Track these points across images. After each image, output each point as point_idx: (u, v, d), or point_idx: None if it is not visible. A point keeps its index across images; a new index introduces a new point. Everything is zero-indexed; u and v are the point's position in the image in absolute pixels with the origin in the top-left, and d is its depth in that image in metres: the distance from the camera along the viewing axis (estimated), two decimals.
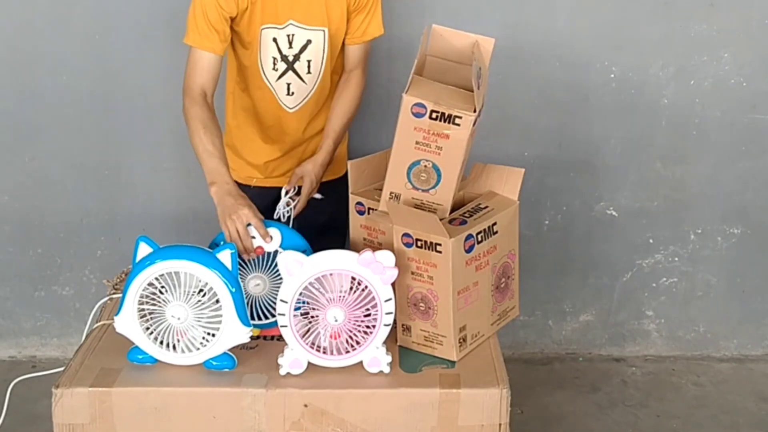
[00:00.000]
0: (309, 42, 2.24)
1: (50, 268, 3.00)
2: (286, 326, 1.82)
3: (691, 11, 2.76)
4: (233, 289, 1.81)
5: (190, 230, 2.83)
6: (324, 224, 2.40)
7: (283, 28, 2.21)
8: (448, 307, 1.86)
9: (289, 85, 2.30)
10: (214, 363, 1.84)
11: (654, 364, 3.09)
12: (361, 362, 1.83)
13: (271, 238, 1.96)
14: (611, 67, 2.82)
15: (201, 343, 1.83)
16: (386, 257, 1.79)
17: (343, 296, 1.81)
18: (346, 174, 2.47)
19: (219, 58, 2.18)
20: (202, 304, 1.81)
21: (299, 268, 1.80)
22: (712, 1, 2.75)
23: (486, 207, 1.98)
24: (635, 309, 3.10)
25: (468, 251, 1.86)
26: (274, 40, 2.23)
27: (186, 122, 2.13)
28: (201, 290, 1.82)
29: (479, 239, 1.89)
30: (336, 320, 1.81)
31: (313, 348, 1.83)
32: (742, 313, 3.11)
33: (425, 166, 1.88)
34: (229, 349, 1.86)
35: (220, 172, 2.05)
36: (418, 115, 1.83)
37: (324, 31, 2.24)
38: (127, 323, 1.82)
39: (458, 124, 1.81)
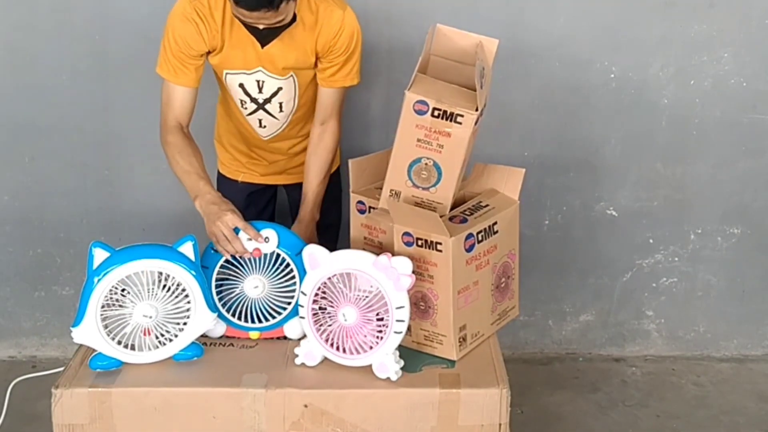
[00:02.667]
0: (279, 89, 2.20)
1: (50, 268, 2.99)
2: (303, 318, 1.83)
3: (691, 11, 2.76)
4: (199, 278, 1.83)
5: (190, 230, 2.80)
6: (317, 225, 2.41)
7: (252, 73, 2.16)
8: (448, 307, 1.86)
9: (260, 120, 2.28)
10: (185, 354, 1.86)
11: (654, 364, 3.09)
12: (370, 365, 1.84)
13: (264, 238, 1.95)
14: (611, 67, 2.81)
15: (169, 338, 1.85)
16: (402, 264, 1.78)
17: (359, 296, 1.81)
18: (335, 173, 2.49)
19: (193, 90, 2.15)
20: (169, 298, 1.82)
21: (322, 263, 1.81)
22: (712, 1, 2.75)
23: (487, 205, 1.98)
24: (635, 309, 3.10)
25: (468, 250, 1.86)
26: (241, 85, 2.19)
27: (164, 152, 2.14)
28: (164, 285, 1.82)
29: (480, 238, 1.89)
30: (346, 319, 1.81)
31: (327, 343, 1.84)
32: (742, 313, 3.11)
33: (426, 163, 1.88)
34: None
35: (199, 186, 2.05)
36: (420, 113, 1.83)
37: (293, 77, 2.18)
38: (88, 332, 1.81)
39: (460, 123, 1.81)
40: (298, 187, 2.32)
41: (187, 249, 1.84)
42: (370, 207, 2.00)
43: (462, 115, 1.81)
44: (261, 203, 2.51)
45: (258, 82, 2.17)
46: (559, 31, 2.78)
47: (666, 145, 2.91)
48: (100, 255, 1.80)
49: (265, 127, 2.30)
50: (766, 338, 3.15)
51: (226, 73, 2.17)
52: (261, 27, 2.00)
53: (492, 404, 1.79)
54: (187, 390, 1.81)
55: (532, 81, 2.82)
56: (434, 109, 1.82)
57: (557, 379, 3.00)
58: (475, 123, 1.82)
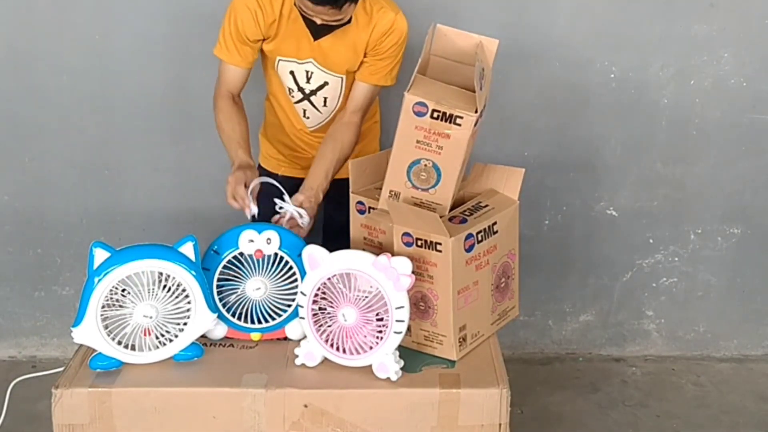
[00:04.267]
0: (326, 83, 2.29)
1: (50, 268, 2.99)
2: (303, 318, 1.84)
3: (691, 11, 2.76)
4: (199, 278, 1.83)
5: (190, 230, 2.79)
6: (321, 225, 2.41)
7: (303, 63, 2.25)
8: (448, 307, 1.86)
9: (305, 110, 2.36)
10: (185, 354, 1.86)
11: (654, 364, 3.09)
12: (370, 365, 1.84)
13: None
14: (611, 67, 2.82)
15: (169, 338, 1.84)
16: (402, 264, 1.79)
17: (358, 297, 1.81)
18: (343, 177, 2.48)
19: (246, 70, 2.26)
20: (169, 298, 1.82)
21: (321, 263, 1.81)
22: (712, 1, 2.75)
23: (486, 206, 1.98)
24: (635, 309, 3.10)
25: (468, 250, 1.86)
26: (291, 72, 2.28)
27: (214, 117, 2.27)
28: (164, 286, 1.82)
29: (479, 239, 1.89)
30: (345, 319, 1.81)
31: (326, 344, 1.84)
32: (742, 313, 3.11)
33: (425, 165, 1.88)
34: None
35: (238, 154, 2.19)
36: (419, 114, 1.83)
37: (342, 78, 2.28)
38: (89, 332, 1.81)
39: (459, 124, 1.81)
40: (336, 182, 2.30)
41: (188, 249, 1.84)
42: (369, 207, 2.00)
43: (461, 117, 1.81)
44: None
45: (307, 72, 2.26)
46: (559, 31, 2.78)
47: (666, 145, 2.91)
48: (100, 255, 1.80)
49: (308, 117, 2.37)
50: (766, 338, 3.15)
51: (279, 60, 2.26)
52: (319, 22, 2.08)
53: (492, 404, 1.79)
54: (187, 390, 1.81)
55: (532, 81, 2.82)
56: (433, 110, 1.81)
57: (557, 379, 3.00)
58: (475, 124, 1.82)
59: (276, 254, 1.95)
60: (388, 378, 1.82)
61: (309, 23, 2.12)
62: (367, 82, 2.26)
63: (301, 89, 2.30)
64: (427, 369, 1.87)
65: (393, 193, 1.93)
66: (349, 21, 2.13)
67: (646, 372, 3.05)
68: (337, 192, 2.22)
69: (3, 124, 2.83)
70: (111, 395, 1.78)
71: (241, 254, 1.96)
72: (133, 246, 1.84)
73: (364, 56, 2.23)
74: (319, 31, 2.14)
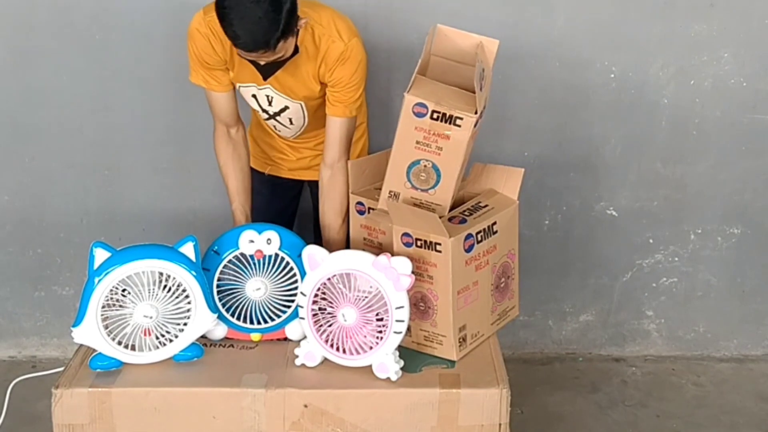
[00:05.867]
0: (286, 107, 2.23)
1: (50, 268, 2.99)
2: (303, 318, 1.83)
3: (691, 11, 2.76)
4: (199, 279, 1.83)
5: (190, 230, 2.80)
6: (313, 225, 2.41)
7: (262, 89, 2.19)
8: (448, 307, 1.86)
9: (275, 126, 2.34)
10: (185, 354, 1.86)
11: (654, 364, 3.09)
12: (370, 366, 1.84)
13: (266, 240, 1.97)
14: (611, 67, 2.81)
15: (169, 339, 1.85)
16: (402, 264, 1.79)
17: (358, 297, 1.81)
18: None
19: (229, 93, 2.21)
20: (170, 298, 1.82)
21: (321, 263, 1.81)
22: (712, 1, 2.75)
23: (486, 206, 1.98)
24: (635, 309, 3.10)
25: (468, 251, 1.86)
26: (254, 96, 2.23)
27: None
28: (164, 286, 1.82)
29: (479, 239, 1.89)
30: (345, 320, 1.81)
31: (326, 344, 1.84)
32: (742, 313, 3.11)
33: (425, 165, 1.88)
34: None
35: (234, 205, 2.25)
36: (419, 115, 1.83)
37: (300, 104, 2.22)
38: (89, 332, 1.82)
39: (459, 125, 1.81)
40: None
41: (188, 249, 1.84)
42: (369, 208, 2.00)
43: (461, 118, 1.81)
44: (286, 198, 2.54)
45: (268, 97, 2.21)
46: (559, 31, 2.77)
47: (666, 145, 2.91)
48: (101, 255, 1.81)
49: (280, 131, 2.36)
50: (766, 338, 3.14)
51: (239, 86, 2.22)
52: (262, 62, 2.01)
53: (492, 404, 1.79)
54: (187, 390, 1.81)
55: (532, 81, 2.82)
56: (433, 111, 1.82)
57: (557, 379, 3.00)
58: (474, 125, 1.82)
59: (276, 255, 1.95)
60: (388, 378, 1.82)
61: (255, 64, 2.04)
62: (341, 116, 2.15)
63: (265, 111, 2.27)
64: (427, 369, 1.87)
65: (392, 193, 1.93)
66: (296, 52, 2.05)
67: (646, 372, 3.05)
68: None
69: (3, 124, 2.83)
70: (111, 395, 1.78)
71: (242, 254, 1.96)
72: (134, 246, 1.84)
73: (325, 86, 2.15)
74: (267, 71, 2.06)
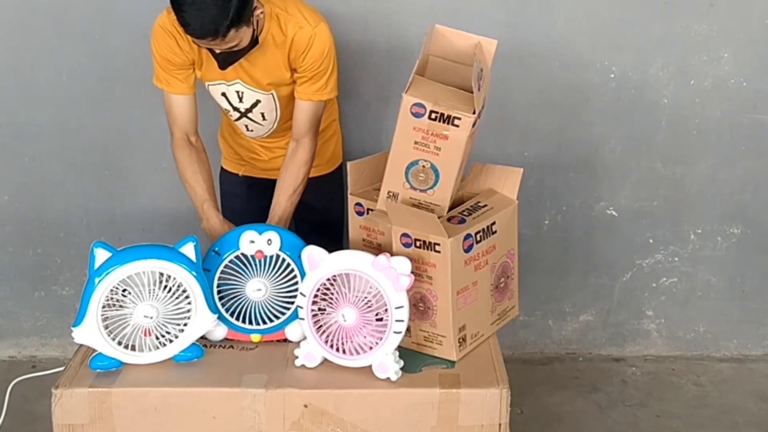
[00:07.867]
0: (258, 101, 2.23)
1: (50, 268, 3.00)
2: (303, 318, 1.84)
3: (691, 11, 2.76)
4: (200, 279, 1.83)
5: (190, 230, 2.80)
6: (318, 222, 2.41)
7: (231, 84, 2.19)
8: (448, 307, 1.86)
9: (247, 125, 2.32)
10: (185, 355, 1.86)
11: (654, 364, 3.09)
12: (370, 366, 1.84)
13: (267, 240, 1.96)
14: (611, 67, 2.81)
15: (169, 339, 1.85)
16: (401, 264, 1.79)
17: (358, 297, 1.81)
18: (336, 170, 2.50)
19: (190, 97, 2.19)
20: (170, 299, 1.82)
21: (321, 264, 1.81)
22: (712, 1, 2.75)
23: (485, 206, 1.98)
24: (635, 309, 3.10)
25: (467, 251, 1.86)
26: (223, 94, 2.23)
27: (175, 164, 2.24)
28: (165, 286, 1.82)
29: (478, 239, 1.89)
30: (345, 320, 1.81)
31: (326, 344, 1.84)
32: (742, 313, 3.11)
33: (423, 166, 1.88)
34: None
35: (204, 209, 2.19)
36: (417, 115, 1.83)
37: (272, 93, 2.22)
38: (89, 332, 1.82)
39: (457, 126, 1.81)
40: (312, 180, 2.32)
41: (189, 250, 1.84)
42: (368, 209, 2.00)
43: (459, 118, 1.80)
44: (265, 198, 2.52)
45: (238, 92, 2.21)
46: (558, 31, 2.77)
47: (666, 145, 2.91)
48: (101, 255, 1.81)
49: (252, 131, 2.34)
50: (766, 338, 3.14)
51: (208, 85, 2.21)
52: (217, 51, 2.01)
53: (492, 404, 1.79)
54: (187, 390, 1.81)
55: (532, 81, 2.82)
56: (431, 111, 1.81)
57: (557, 379, 3.00)
58: (473, 126, 1.82)
59: (277, 255, 1.95)
60: (388, 378, 1.82)
61: (213, 53, 2.04)
62: (308, 100, 2.18)
63: (236, 109, 2.26)
64: (427, 369, 1.87)
65: (391, 194, 1.93)
66: (254, 44, 2.06)
67: (646, 372, 3.05)
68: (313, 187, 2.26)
69: (3, 124, 2.83)
70: (111, 395, 1.78)
71: (242, 255, 1.96)
72: (134, 246, 1.85)
73: (295, 73, 2.16)
74: (224, 60, 2.06)
